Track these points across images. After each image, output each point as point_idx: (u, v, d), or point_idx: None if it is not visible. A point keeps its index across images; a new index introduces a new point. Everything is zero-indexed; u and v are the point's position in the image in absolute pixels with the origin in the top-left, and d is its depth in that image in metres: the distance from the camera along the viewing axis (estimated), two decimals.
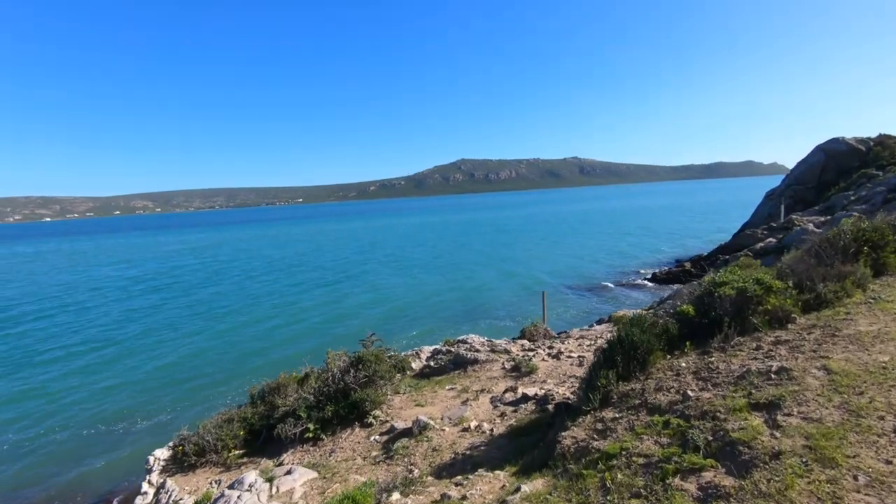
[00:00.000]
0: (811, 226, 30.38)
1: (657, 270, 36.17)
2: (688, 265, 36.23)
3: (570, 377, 7.25)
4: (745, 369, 3.90)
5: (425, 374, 9.49)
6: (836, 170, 37.92)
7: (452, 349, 10.07)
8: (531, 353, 8.97)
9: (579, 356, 8.13)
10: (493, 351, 9.49)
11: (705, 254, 38.12)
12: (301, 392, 8.06)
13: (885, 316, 4.15)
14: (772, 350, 4.13)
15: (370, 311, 29.45)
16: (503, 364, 8.71)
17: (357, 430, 7.37)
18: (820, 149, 39.62)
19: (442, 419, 6.89)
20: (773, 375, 3.65)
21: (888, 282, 5.06)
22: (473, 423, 6.31)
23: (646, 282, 33.85)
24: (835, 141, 39.05)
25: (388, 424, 7.22)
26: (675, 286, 32.80)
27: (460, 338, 10.96)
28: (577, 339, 10.04)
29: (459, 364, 9.17)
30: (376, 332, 8.93)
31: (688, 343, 4.89)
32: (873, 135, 39.26)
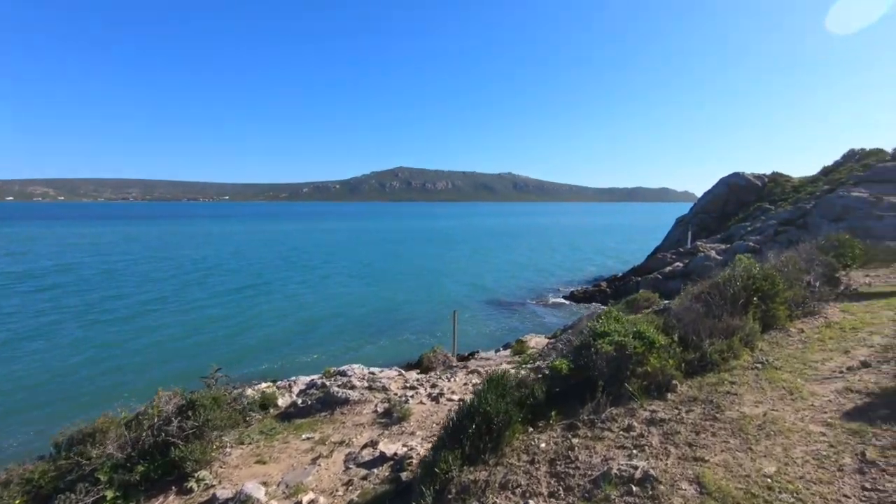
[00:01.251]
0: (713, 252, 32.24)
1: (575, 289, 36.85)
2: (604, 285, 37.32)
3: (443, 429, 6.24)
4: (606, 467, 3.01)
5: (289, 414, 8.06)
6: (737, 202, 40.94)
7: (328, 383, 8.73)
8: (411, 393, 7.84)
9: (460, 399, 7.10)
10: (370, 388, 8.25)
11: (620, 274, 39.48)
12: (109, 445, 6.32)
13: (771, 390, 3.49)
14: (643, 435, 3.31)
15: (277, 323, 27.11)
16: (376, 406, 7.50)
17: (171, 498, 5.81)
18: (724, 182, 42.67)
19: (277, 486, 5.54)
20: (634, 487, 2.79)
21: (776, 338, 4.47)
22: (307, 498, 5.02)
23: (563, 300, 34.27)
24: (736, 175, 42.22)
25: (211, 491, 5.74)
26: (593, 305, 33.60)
27: (342, 368, 9.64)
28: (469, 372, 9.06)
29: (328, 404, 7.84)
30: (223, 368, 7.37)
31: (554, 413, 4.00)
32: (768, 171, 42.96)
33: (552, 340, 10.91)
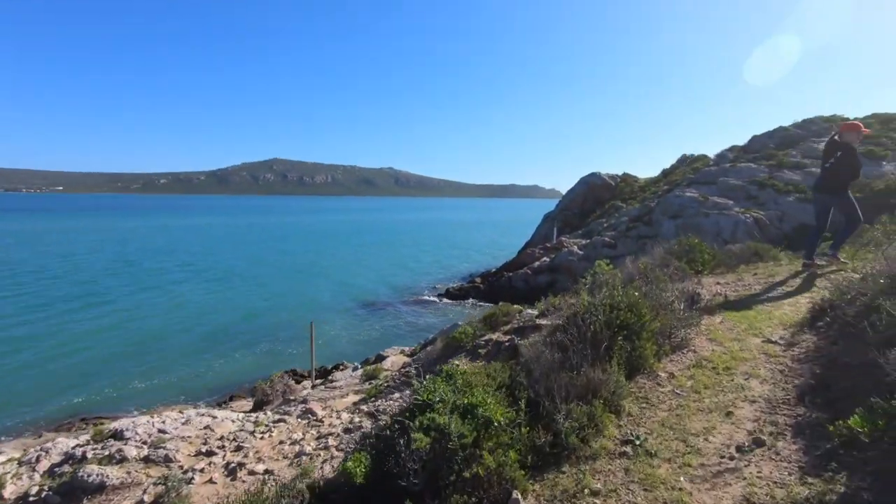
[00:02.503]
0: (576, 247, 34.12)
1: (450, 286, 36.57)
2: (479, 280, 37.66)
3: None
4: None
5: None
6: (595, 199, 44.25)
7: (90, 453, 6.22)
8: (203, 464, 5.74)
9: (266, 471, 5.27)
10: (148, 459, 5.97)
11: (494, 269, 40.23)
12: None
13: (644, 492, 2.36)
14: None
15: (107, 343, 21.93)
16: (145, 492, 5.29)
17: None
18: (583, 181, 45.87)
19: None
20: None
21: (645, 390, 3.44)
22: None
23: (438, 299, 33.70)
24: (594, 175, 45.64)
25: None
26: (469, 301, 33.57)
27: (117, 425, 7.13)
28: (303, 414, 7.20)
29: (72, 495, 5.42)
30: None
31: None
32: (620, 172, 47.24)
33: (409, 360, 9.50)
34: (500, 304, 7.97)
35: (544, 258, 35.38)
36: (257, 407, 9.71)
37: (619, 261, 32.49)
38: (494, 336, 7.08)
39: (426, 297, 34.08)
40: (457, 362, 6.64)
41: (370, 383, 8.85)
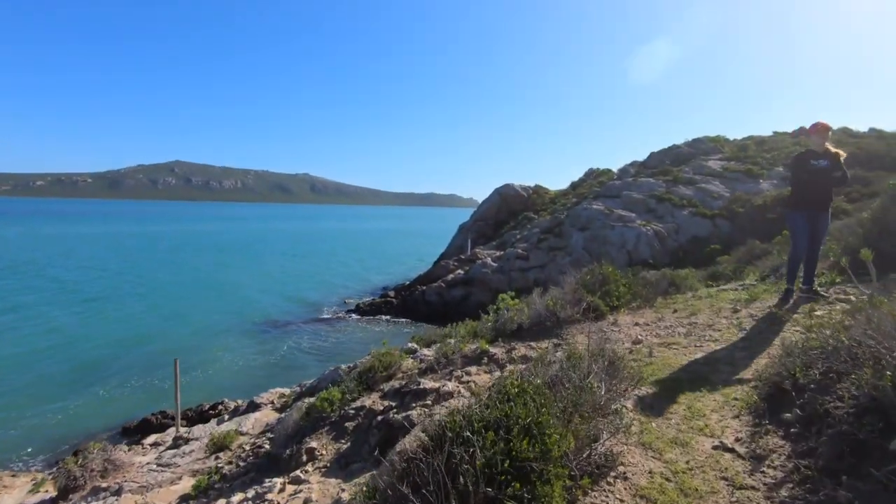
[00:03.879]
0: (489, 259, 33.58)
1: (361, 301, 34.39)
2: (392, 294, 35.84)
3: None
4: None
5: None
6: (508, 210, 44.43)
7: None
8: None
9: None
10: None
11: (408, 282, 38.64)
12: None
13: None
14: None
15: None
16: None
17: None
18: (497, 192, 45.93)
19: None
20: None
21: None
22: None
23: (347, 315, 31.40)
24: (507, 186, 45.89)
25: None
26: (381, 317, 31.55)
27: None
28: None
29: None
30: None
31: None
32: (532, 184, 48.02)
33: (274, 420, 7.57)
34: (381, 350, 6.36)
35: (458, 271, 34.46)
36: (61, 496, 7.22)
37: (532, 273, 32.16)
38: (370, 401, 5.45)
39: (335, 314, 31.67)
40: (313, 444, 4.90)
41: (216, 458, 6.81)
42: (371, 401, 5.35)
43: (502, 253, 34.21)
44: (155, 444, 9.89)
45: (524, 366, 4.52)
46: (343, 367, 7.99)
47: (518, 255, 32.51)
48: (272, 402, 9.17)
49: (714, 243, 26.13)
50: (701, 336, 4.96)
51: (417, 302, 32.54)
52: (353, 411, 5.25)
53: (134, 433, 14.90)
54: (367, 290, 40.53)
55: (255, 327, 27.73)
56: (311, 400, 5.93)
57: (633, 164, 42.49)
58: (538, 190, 46.16)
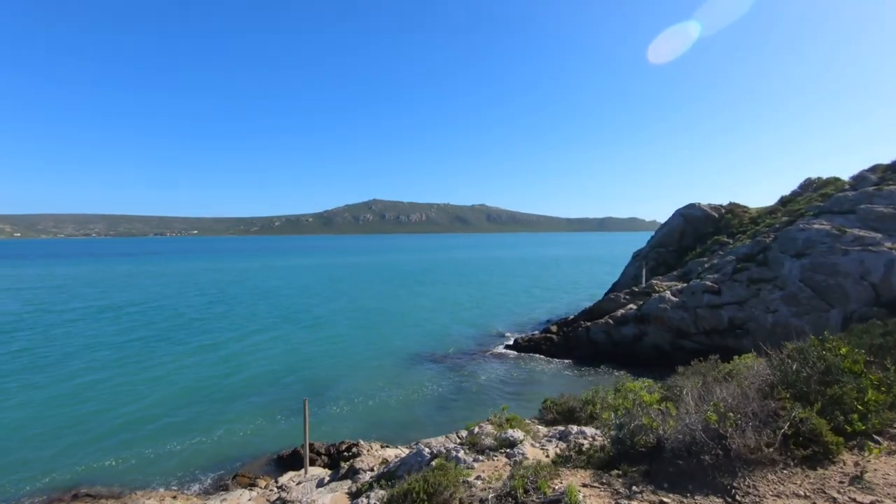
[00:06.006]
0: (668, 293, 28.72)
1: (520, 336, 32.70)
2: (554, 329, 33.29)
3: None
4: None
5: None
6: (693, 235, 38.06)
7: None
8: None
9: None
10: None
11: (571, 317, 35.59)
12: None
13: None
14: None
15: (137, 398, 21.66)
16: None
17: None
18: (679, 213, 39.89)
19: None
20: None
21: None
22: None
23: (505, 350, 30.06)
24: (691, 206, 39.52)
25: None
26: (537, 356, 29.35)
27: None
28: None
29: None
30: None
31: None
32: (725, 202, 40.47)
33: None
34: (432, 465, 4.80)
35: (631, 305, 30.32)
36: None
37: (726, 311, 26.12)
38: None
39: (493, 348, 30.72)
40: None
41: None
42: None
43: (686, 285, 28.98)
44: (281, 487, 9.81)
45: None
46: (434, 443, 6.62)
47: (707, 289, 27.08)
48: (361, 469, 8.28)
49: None
50: None
51: (581, 340, 29.45)
52: None
53: (286, 463, 15.08)
54: (529, 322, 38.79)
55: (414, 358, 28.55)
56: (383, 494, 4.69)
57: (875, 168, 32.51)
58: (733, 209, 38.60)
